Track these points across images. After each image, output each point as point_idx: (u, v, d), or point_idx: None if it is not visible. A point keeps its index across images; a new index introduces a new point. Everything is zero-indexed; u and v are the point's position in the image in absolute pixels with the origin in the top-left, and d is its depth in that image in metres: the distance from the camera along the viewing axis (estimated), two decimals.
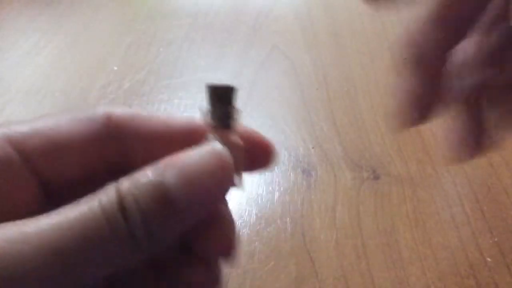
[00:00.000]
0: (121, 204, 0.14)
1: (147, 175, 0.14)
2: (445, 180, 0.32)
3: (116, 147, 0.18)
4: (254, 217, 0.30)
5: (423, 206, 0.30)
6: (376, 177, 0.32)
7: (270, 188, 0.31)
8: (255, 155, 0.18)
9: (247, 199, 0.31)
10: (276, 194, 0.31)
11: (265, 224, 0.29)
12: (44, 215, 0.14)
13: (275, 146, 0.19)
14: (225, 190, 0.15)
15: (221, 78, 0.41)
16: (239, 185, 0.16)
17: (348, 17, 0.49)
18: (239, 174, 0.17)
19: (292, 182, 0.32)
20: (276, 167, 0.33)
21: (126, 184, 0.14)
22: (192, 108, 0.38)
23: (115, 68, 0.43)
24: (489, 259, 0.27)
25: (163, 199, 0.14)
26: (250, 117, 0.37)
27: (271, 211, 0.30)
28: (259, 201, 0.31)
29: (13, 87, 0.41)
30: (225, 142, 0.16)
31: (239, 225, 0.29)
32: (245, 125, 0.18)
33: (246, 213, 0.30)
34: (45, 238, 0.13)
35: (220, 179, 0.15)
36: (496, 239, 0.28)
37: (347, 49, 0.45)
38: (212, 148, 0.15)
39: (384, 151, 0.34)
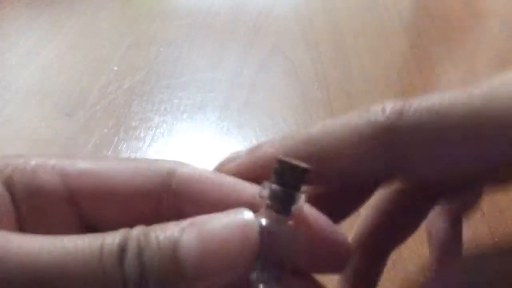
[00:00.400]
0: (122, 247, 0.12)
1: (165, 228, 0.13)
2: None
3: (172, 205, 0.16)
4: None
5: None
6: None
7: None
8: (323, 253, 0.16)
9: None
10: None
11: None
12: (44, 236, 0.13)
13: (349, 246, 0.16)
14: (243, 267, 0.13)
15: (221, 78, 0.41)
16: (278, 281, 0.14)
17: (348, 17, 0.49)
18: (284, 268, 0.14)
19: None
20: None
21: (138, 229, 0.13)
22: (192, 108, 0.38)
23: (115, 68, 0.43)
24: None
25: (170, 257, 0.12)
26: (250, 117, 0.37)
27: None
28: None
29: (13, 87, 0.41)
30: (276, 224, 0.14)
31: None
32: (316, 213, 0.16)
33: None
34: (25, 259, 0.12)
35: (239, 254, 0.13)
36: (496, 239, 0.28)
37: (347, 49, 0.45)
38: (242, 215, 0.13)
39: None
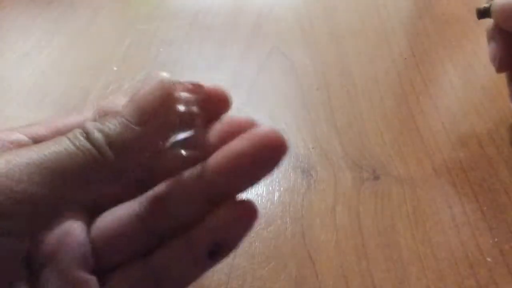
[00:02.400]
0: (87, 134, 0.17)
1: (111, 112, 0.18)
2: (445, 180, 0.32)
3: None
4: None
5: (423, 206, 0.30)
6: (376, 177, 0.32)
7: (270, 188, 0.32)
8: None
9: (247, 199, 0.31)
10: (276, 194, 0.31)
11: (265, 224, 0.29)
12: (23, 149, 0.17)
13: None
14: (166, 108, 0.18)
15: (221, 78, 0.41)
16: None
17: (348, 17, 0.49)
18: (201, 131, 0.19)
19: (292, 182, 0.32)
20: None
21: (89, 121, 0.18)
22: None
23: (115, 68, 0.43)
24: (489, 259, 0.27)
25: (120, 124, 0.17)
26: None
27: (271, 211, 0.30)
28: (259, 201, 0.31)
29: (13, 87, 0.41)
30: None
31: None
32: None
33: None
34: (33, 164, 0.16)
35: (161, 99, 0.18)
36: (496, 239, 0.28)
37: (347, 49, 0.45)
38: (159, 79, 0.18)
39: (384, 151, 0.34)
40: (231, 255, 0.27)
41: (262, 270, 0.27)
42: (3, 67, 0.43)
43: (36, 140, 0.20)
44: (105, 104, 0.20)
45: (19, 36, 0.47)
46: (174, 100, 0.18)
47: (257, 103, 0.39)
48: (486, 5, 0.31)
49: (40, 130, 0.20)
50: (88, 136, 0.17)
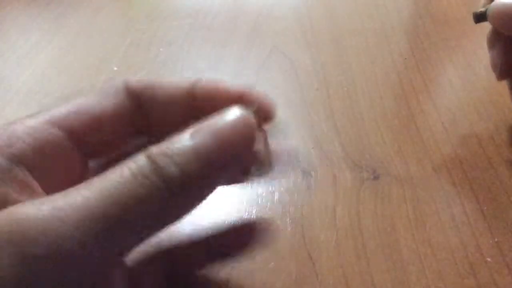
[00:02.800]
0: (155, 165, 0.15)
1: (178, 140, 0.16)
2: (445, 180, 0.32)
3: (141, 115, 0.19)
4: (254, 217, 0.30)
5: (423, 206, 0.30)
6: (376, 177, 0.32)
7: (270, 188, 0.32)
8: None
9: (247, 199, 0.31)
10: (276, 194, 0.31)
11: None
12: (75, 187, 0.15)
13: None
14: (251, 148, 0.17)
15: (221, 78, 0.41)
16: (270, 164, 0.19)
17: (348, 17, 0.49)
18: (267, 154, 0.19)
19: (292, 182, 0.32)
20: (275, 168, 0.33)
21: (155, 149, 0.15)
22: None
23: (115, 68, 0.43)
24: (489, 259, 0.27)
25: (198, 157, 0.15)
26: None
27: (271, 211, 0.30)
28: (259, 201, 0.31)
29: (13, 87, 0.41)
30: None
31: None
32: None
33: (246, 214, 0.30)
34: (83, 207, 0.14)
35: (247, 139, 0.17)
36: (496, 239, 0.28)
37: (347, 49, 0.45)
38: (239, 112, 0.17)
39: (384, 151, 0.34)
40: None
41: (262, 270, 0.27)
42: (3, 67, 0.43)
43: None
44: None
45: (19, 36, 0.47)
46: (254, 139, 0.17)
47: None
48: (482, 9, 0.31)
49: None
50: (158, 169, 0.15)
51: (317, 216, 0.30)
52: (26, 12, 0.51)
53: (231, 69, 0.42)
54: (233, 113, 0.17)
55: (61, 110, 0.19)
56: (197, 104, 0.20)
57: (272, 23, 0.49)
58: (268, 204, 0.30)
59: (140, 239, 0.15)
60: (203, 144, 0.15)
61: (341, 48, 0.45)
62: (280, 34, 0.47)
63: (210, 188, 0.16)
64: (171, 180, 0.15)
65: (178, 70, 0.43)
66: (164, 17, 0.50)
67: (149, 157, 0.15)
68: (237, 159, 0.16)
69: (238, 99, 0.20)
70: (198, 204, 0.16)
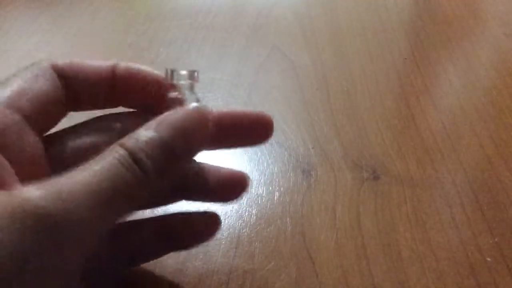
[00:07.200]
0: (135, 157, 0.18)
1: (145, 133, 0.19)
2: (445, 180, 0.32)
3: (68, 93, 0.22)
4: (254, 217, 0.30)
5: (423, 206, 0.30)
6: (376, 177, 0.32)
7: (270, 188, 0.32)
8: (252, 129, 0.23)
9: (247, 199, 0.31)
10: (276, 194, 0.31)
11: (265, 224, 0.29)
12: (74, 172, 0.17)
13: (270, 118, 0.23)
14: (207, 136, 0.20)
15: (221, 78, 0.41)
16: None
17: (348, 17, 0.49)
18: None
19: (292, 182, 0.32)
20: (276, 167, 0.33)
21: (130, 142, 0.18)
22: None
23: None
24: (489, 259, 0.27)
25: (166, 149, 0.19)
26: None
27: (271, 211, 0.30)
28: (259, 201, 0.31)
29: None
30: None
31: (239, 225, 0.29)
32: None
33: (246, 214, 0.30)
34: (85, 188, 0.17)
35: (204, 130, 0.20)
36: (496, 239, 0.28)
37: (347, 49, 0.45)
38: (195, 106, 0.20)
39: (384, 151, 0.34)
40: (231, 255, 0.27)
41: (262, 270, 0.27)
42: (3, 67, 0.43)
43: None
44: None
45: (19, 36, 0.47)
46: (209, 128, 0.20)
47: (257, 103, 0.39)
48: None
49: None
50: (136, 161, 0.18)
51: (317, 216, 0.30)
52: (26, 12, 0.51)
53: (231, 69, 0.42)
54: (189, 106, 0.20)
55: (8, 92, 0.20)
56: (118, 84, 0.23)
57: (272, 23, 0.49)
58: (268, 204, 0.31)
59: (131, 209, 0.19)
60: (167, 136, 0.19)
61: (341, 48, 0.45)
62: (280, 34, 0.47)
63: (175, 174, 0.19)
64: (148, 169, 0.18)
65: None
66: (164, 17, 0.50)
67: (126, 149, 0.18)
68: (195, 147, 0.20)
69: (155, 82, 0.23)
70: (170, 185, 0.20)
